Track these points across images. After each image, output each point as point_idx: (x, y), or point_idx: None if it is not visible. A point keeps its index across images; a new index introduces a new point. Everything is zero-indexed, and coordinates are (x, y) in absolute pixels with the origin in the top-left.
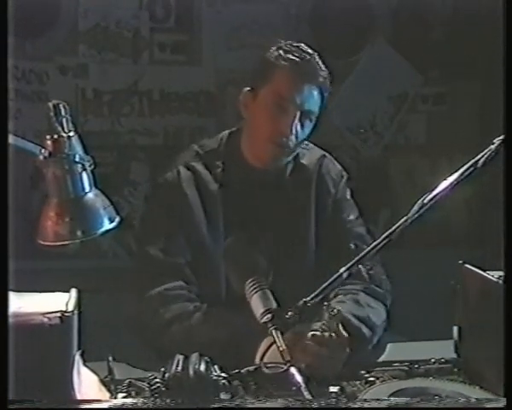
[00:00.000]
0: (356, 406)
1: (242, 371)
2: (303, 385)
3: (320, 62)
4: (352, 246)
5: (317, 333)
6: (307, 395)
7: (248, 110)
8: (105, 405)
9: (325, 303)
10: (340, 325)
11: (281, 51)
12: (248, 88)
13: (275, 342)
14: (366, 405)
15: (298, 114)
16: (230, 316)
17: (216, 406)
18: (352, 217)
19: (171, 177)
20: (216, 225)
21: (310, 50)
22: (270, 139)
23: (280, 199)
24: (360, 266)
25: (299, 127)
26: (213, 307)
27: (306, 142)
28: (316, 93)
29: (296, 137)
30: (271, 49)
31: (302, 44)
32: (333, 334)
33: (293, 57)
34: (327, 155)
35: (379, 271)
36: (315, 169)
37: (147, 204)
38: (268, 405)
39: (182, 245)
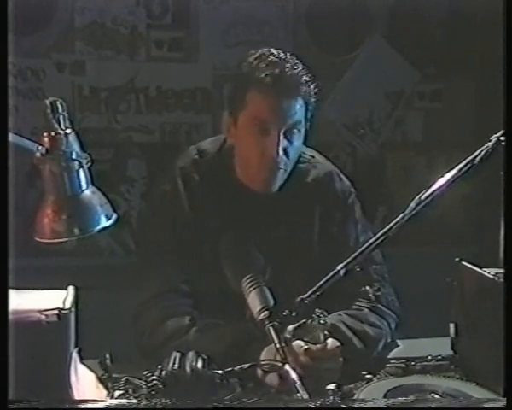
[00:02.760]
0: (355, 406)
1: (239, 368)
2: (299, 383)
3: (298, 68)
4: (357, 268)
5: (310, 347)
6: (303, 394)
7: (231, 135)
8: (103, 404)
9: (315, 314)
10: (331, 336)
11: (250, 68)
12: (227, 112)
13: (272, 339)
14: (363, 405)
15: (281, 132)
16: (227, 327)
17: (214, 405)
18: (361, 238)
19: (167, 189)
20: (212, 235)
21: (282, 55)
22: (258, 166)
23: (281, 215)
24: (368, 287)
25: (286, 144)
26: (209, 319)
27: (312, 155)
28: (297, 104)
29: (287, 155)
30: (242, 64)
31: (273, 50)
32: (325, 344)
33: (264, 74)
34: (334, 170)
35: (387, 291)
36: (320, 188)
37: (144, 215)
38: (265, 404)
39: (178, 257)
